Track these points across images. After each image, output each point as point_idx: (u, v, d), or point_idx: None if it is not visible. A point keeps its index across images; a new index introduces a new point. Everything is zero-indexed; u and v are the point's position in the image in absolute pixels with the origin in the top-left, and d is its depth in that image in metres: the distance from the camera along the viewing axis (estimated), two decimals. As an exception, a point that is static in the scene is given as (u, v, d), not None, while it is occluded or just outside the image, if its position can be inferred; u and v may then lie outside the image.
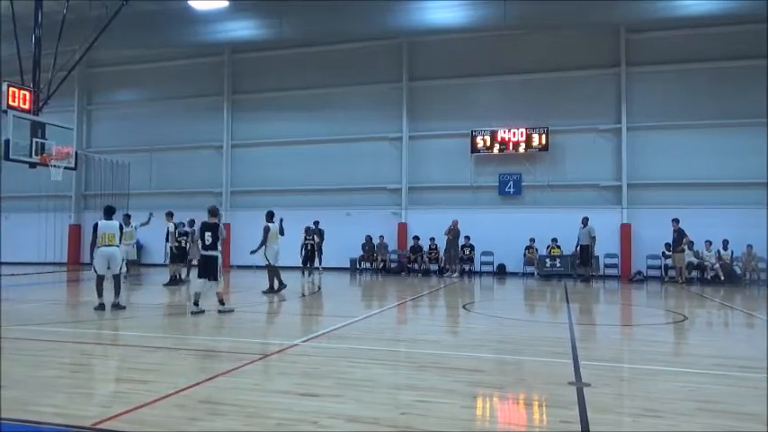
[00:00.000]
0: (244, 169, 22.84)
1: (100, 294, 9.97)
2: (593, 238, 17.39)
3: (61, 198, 23.74)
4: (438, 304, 12.84)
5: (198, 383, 5.08)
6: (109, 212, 10.40)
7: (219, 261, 9.86)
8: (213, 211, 10.08)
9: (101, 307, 9.88)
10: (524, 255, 19.50)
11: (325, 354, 6.77)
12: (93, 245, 10.09)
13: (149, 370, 5.76)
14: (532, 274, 19.18)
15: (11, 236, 20.89)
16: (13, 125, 14.29)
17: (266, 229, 12.72)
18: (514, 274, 19.52)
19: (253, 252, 12.70)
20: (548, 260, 18.72)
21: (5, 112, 14.27)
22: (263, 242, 12.67)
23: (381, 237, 20.49)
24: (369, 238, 20.41)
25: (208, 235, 9.79)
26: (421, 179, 21.01)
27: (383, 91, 21.47)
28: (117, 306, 10.10)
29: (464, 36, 19.99)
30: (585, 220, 17.39)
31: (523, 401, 4.81)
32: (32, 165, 15.04)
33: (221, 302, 9.76)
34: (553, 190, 19.69)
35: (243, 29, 19.79)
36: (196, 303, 9.59)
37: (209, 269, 9.82)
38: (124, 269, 11.00)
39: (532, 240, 19.35)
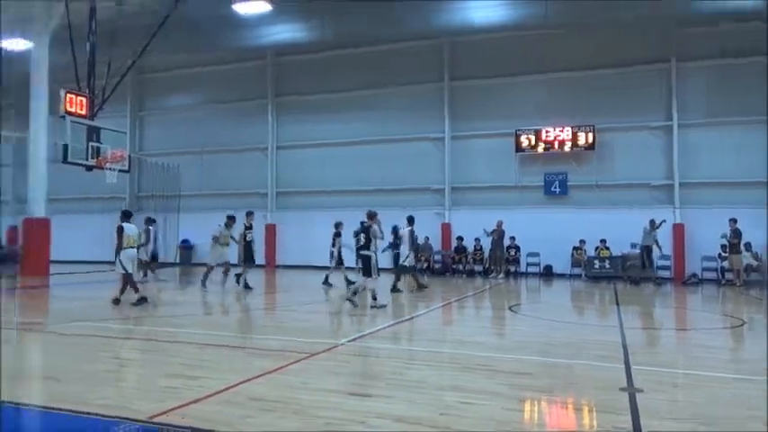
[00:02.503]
0: (289, 170, 23.16)
1: (137, 290, 10.78)
2: (657, 241, 16.76)
3: (117, 200, 24.54)
4: (483, 305, 12.71)
5: (247, 380, 5.17)
6: (128, 216, 11.17)
7: (373, 260, 10.61)
8: (370, 215, 10.92)
9: (143, 300, 10.56)
10: (572, 256, 19.07)
11: (371, 354, 6.79)
12: (120, 247, 10.75)
13: (200, 366, 5.91)
14: (580, 275, 18.74)
15: (71, 236, 21.69)
16: (71, 130, 14.92)
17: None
18: (561, 276, 19.12)
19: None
20: (596, 261, 18.26)
21: (63, 117, 14.89)
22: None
23: (426, 237, 20.38)
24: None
25: (362, 236, 10.73)
26: (464, 179, 20.84)
27: (425, 91, 21.40)
28: (116, 302, 10.72)
29: (506, 34, 19.67)
30: (653, 223, 16.70)
31: (572, 406, 4.71)
32: (89, 168, 15.64)
33: (373, 298, 10.40)
34: (601, 189, 19.19)
35: (285, 32, 20.04)
36: (374, 298, 10.43)
37: (364, 267, 10.65)
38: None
39: (582, 242, 18.85)
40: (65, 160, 14.89)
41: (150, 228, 15.83)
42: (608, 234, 18.18)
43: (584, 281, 18.03)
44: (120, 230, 10.76)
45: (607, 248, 18.32)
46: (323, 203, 22.09)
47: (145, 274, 16.05)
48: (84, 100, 15.61)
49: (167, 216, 20.35)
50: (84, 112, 15.54)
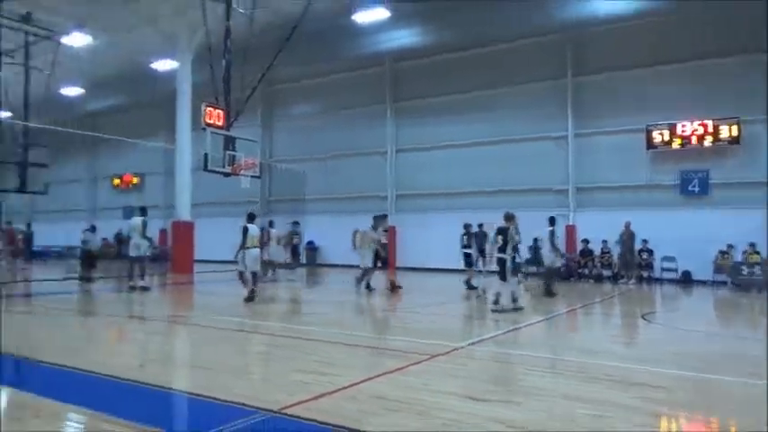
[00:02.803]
0: (408, 173, 23.45)
1: (247, 286, 11.59)
2: None
3: (250, 204, 26.12)
4: (612, 313, 12.02)
5: (371, 378, 5.34)
6: (252, 218, 12.02)
7: (508, 263, 10.47)
8: (507, 216, 10.84)
9: (251, 299, 11.39)
10: (715, 260, 17.37)
11: (491, 358, 6.70)
12: (243, 246, 11.56)
13: (328, 363, 6.18)
14: (725, 282, 17.02)
15: (211, 237, 23.52)
16: (210, 140, 16.24)
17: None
18: (702, 283, 17.49)
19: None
20: (744, 267, 16.50)
21: (204, 129, 16.25)
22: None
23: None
24: (535, 241, 19.70)
25: (499, 238, 10.62)
26: (589, 179, 19.82)
27: (546, 88, 20.63)
28: (251, 299, 11.43)
29: (633, 24, 18.36)
30: None
31: (715, 426, 4.32)
32: (226, 174, 16.92)
33: (495, 302, 10.34)
34: (749, 188, 17.31)
35: (403, 37, 20.34)
36: (496, 302, 10.36)
37: (500, 270, 10.56)
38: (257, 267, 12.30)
39: (730, 246, 17.04)
40: (205, 168, 16.21)
41: (271, 230, 16.97)
42: (757, 237, 16.38)
43: (730, 288, 16.38)
44: (245, 231, 11.61)
45: (757, 253, 16.48)
46: (442, 205, 22.14)
47: (273, 272, 17.24)
48: (221, 112, 16.90)
49: (294, 219, 21.42)
50: (221, 124, 16.82)
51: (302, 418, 4.21)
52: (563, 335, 9.04)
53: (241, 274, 11.73)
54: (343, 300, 13.04)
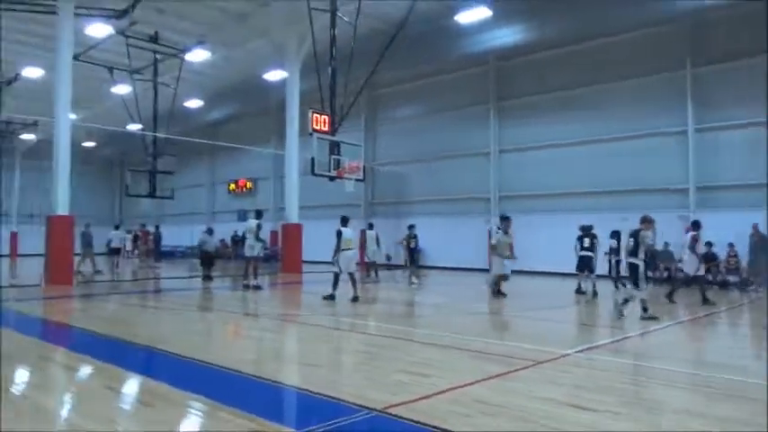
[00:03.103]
0: (512, 174, 22.91)
1: (336, 287, 11.91)
2: None
3: (353, 207, 26.79)
4: (740, 322, 11.04)
5: (473, 382, 5.30)
6: (346, 221, 12.46)
7: (641, 268, 9.99)
8: (644, 219, 10.43)
9: (332, 297, 11.79)
10: None
11: (598, 366, 6.40)
12: (338, 248, 11.98)
13: (430, 365, 6.22)
14: None
15: (319, 239, 24.35)
16: (317, 145, 16.87)
17: None
18: None
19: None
20: None
21: (311, 134, 16.91)
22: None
23: (666, 243, 18.36)
24: (650, 245, 18.49)
25: (631, 241, 10.27)
26: (713, 177, 18.27)
27: (658, 82, 19.25)
28: (355, 299, 11.74)
29: (759, 6, 16.68)
30: None
31: None
32: (332, 178, 17.50)
33: (644, 309, 9.84)
34: None
35: (506, 35, 19.88)
36: (625, 303, 9.84)
37: (631, 276, 10.17)
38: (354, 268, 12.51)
39: None
40: (312, 172, 16.86)
41: (369, 231, 17.44)
42: None
43: None
44: (339, 234, 11.97)
45: None
46: (546, 207, 21.43)
47: (376, 273, 17.64)
48: (326, 118, 17.49)
49: (399, 221, 21.71)
50: (327, 129, 17.40)
51: (406, 419, 4.27)
52: (682, 345, 8.42)
53: (336, 276, 12.04)
54: (446, 302, 13.03)
